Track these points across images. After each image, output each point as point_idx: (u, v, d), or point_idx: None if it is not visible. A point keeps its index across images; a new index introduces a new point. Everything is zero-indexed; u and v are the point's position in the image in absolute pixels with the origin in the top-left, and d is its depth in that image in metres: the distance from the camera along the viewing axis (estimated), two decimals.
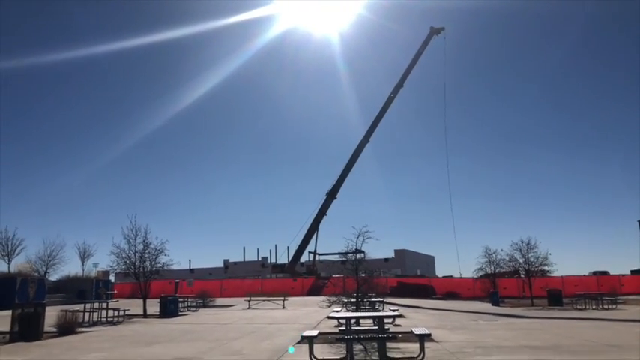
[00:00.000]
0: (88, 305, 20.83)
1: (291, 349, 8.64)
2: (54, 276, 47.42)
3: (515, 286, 36.08)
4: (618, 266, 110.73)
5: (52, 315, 15.98)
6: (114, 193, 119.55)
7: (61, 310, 16.78)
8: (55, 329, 15.44)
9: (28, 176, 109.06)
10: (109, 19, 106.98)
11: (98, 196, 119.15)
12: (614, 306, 25.58)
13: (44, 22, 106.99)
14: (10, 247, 47.74)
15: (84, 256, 54.92)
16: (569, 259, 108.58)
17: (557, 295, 28.82)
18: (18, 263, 46.94)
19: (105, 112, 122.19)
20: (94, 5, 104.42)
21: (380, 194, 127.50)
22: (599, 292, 29.96)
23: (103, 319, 20.37)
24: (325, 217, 56.55)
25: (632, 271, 50.20)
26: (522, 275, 32.26)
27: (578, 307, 25.98)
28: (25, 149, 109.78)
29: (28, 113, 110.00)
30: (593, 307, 25.66)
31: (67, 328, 15.54)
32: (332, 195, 56.53)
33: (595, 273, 51.62)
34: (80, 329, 16.51)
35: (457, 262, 55.63)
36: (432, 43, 59.73)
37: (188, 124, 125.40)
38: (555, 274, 34.07)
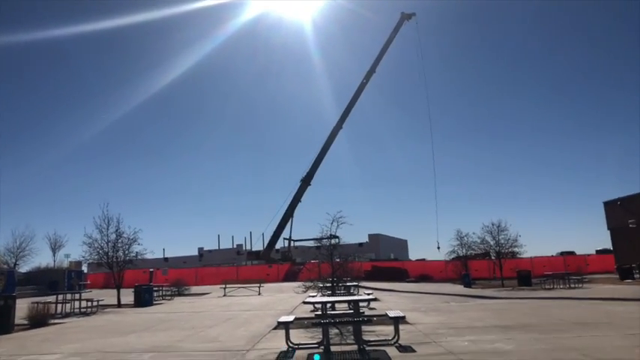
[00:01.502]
0: (60, 296, 20.52)
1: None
2: (24, 268, 46.61)
3: (486, 268, 36.97)
4: (584, 246, 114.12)
5: (22, 307, 15.72)
6: (84, 182, 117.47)
7: (32, 302, 16.53)
8: (26, 322, 15.22)
9: None
10: (74, 3, 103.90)
11: (68, 186, 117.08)
12: (580, 285, 26.42)
13: (5, 2, 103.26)
14: None
15: (55, 247, 54.03)
16: (537, 241, 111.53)
17: (527, 276, 29.64)
18: None
19: (72, 97, 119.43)
20: None
21: (353, 180, 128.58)
22: (566, 272, 30.88)
23: (76, 310, 20.12)
24: (300, 203, 56.70)
25: (597, 251, 51.85)
26: (493, 257, 32.98)
27: (547, 287, 26.75)
28: None
29: None
30: (561, 286, 26.46)
31: (38, 320, 15.32)
32: (306, 181, 56.60)
33: (562, 253, 53.13)
34: (53, 321, 16.30)
35: (435, 239, 56.24)
36: (404, 28, 59.84)
37: (158, 109, 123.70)
38: (525, 255, 34.99)
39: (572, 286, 26.24)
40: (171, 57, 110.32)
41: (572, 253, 52.94)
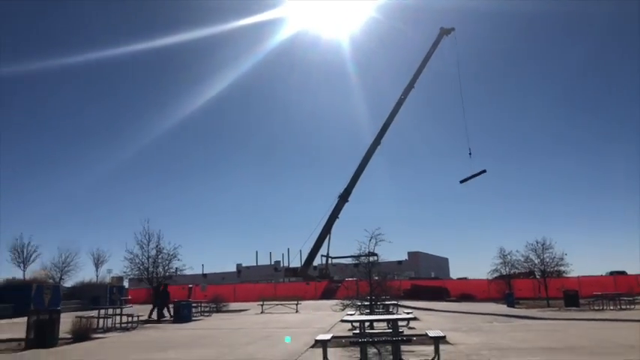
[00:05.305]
0: (102, 311, 20.92)
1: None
2: (68, 282, 48.06)
3: (530, 287, 35.65)
4: (636, 266, 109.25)
5: (66, 321, 16.08)
6: (126, 198, 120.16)
7: (76, 317, 16.88)
8: (69, 336, 15.54)
9: (42, 183, 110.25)
10: (116, 22, 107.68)
11: (111, 202, 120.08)
12: (631, 306, 25.19)
13: (55, 24, 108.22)
14: (25, 254, 48.54)
15: (98, 262, 55.65)
16: (585, 260, 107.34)
17: (574, 296, 28.45)
18: (33, 270, 47.63)
19: (115, 115, 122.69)
20: (100, 8, 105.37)
21: (392, 196, 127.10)
22: (617, 292, 29.52)
23: (117, 325, 20.45)
24: (337, 219, 56.34)
25: None
26: (538, 276, 31.91)
27: (596, 307, 25.61)
28: (37, 155, 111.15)
29: (38, 117, 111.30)
30: (611, 307, 25.29)
31: (81, 334, 15.62)
32: (344, 198, 56.29)
33: (612, 273, 50.86)
34: (95, 335, 16.59)
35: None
36: (443, 44, 59.37)
37: (199, 127, 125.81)
38: (572, 274, 33.65)
39: (624, 307, 25.03)
40: (210, 75, 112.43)
41: (623, 272, 50.55)
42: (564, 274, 31.75)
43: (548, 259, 30.16)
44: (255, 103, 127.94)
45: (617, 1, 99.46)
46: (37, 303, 29.09)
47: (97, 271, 55.69)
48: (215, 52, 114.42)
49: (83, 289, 43.30)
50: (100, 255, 55.91)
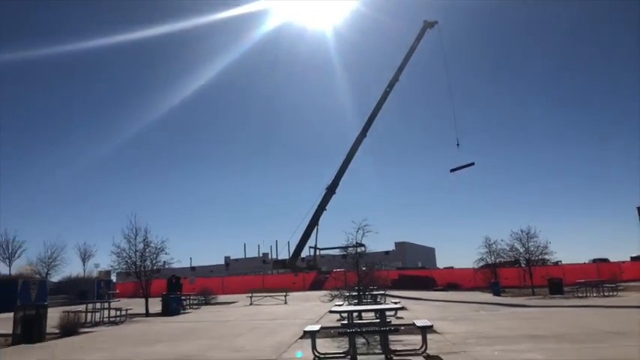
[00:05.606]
0: (89, 306, 20.85)
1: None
2: (55, 277, 47.72)
3: (516, 276, 36.16)
4: (618, 253, 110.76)
5: (54, 316, 15.98)
6: (112, 191, 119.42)
7: (63, 312, 16.81)
8: (57, 331, 15.44)
9: (27, 178, 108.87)
10: (98, 15, 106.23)
11: (97, 195, 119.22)
12: (614, 293, 25.65)
13: (33, 17, 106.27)
14: (10, 249, 48.34)
15: (85, 257, 55.37)
16: (569, 247, 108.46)
17: (558, 283, 28.91)
18: (19, 266, 47.28)
19: (100, 108, 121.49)
20: (81, 1, 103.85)
21: (379, 187, 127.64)
22: (600, 279, 30.03)
23: (105, 319, 20.38)
24: (325, 211, 56.52)
25: (632, 257, 50.28)
26: (523, 265, 32.34)
27: (579, 295, 26.04)
28: (21, 149, 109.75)
29: (20, 110, 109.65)
30: (594, 294, 25.73)
31: (69, 329, 15.54)
32: (331, 189, 56.45)
33: (595, 260, 51.70)
34: (82, 330, 16.50)
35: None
36: (427, 37, 59.52)
37: (184, 119, 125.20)
38: (556, 262, 34.17)
39: (607, 294, 25.49)
40: (194, 67, 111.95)
41: (605, 260, 51.41)
42: (549, 263, 32.23)
43: (532, 248, 30.61)
44: (241, 95, 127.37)
45: None
46: (23, 298, 28.87)
47: (84, 265, 55.49)
48: (198, 45, 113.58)
49: (70, 283, 43.08)
50: (87, 249, 55.69)
